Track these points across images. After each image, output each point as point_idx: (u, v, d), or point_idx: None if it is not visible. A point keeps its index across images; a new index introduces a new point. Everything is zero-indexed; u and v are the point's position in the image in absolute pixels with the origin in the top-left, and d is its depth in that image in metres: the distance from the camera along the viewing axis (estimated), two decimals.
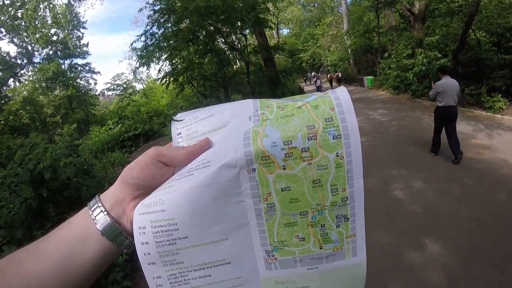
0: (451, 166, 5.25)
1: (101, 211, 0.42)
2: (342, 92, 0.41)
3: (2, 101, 18.98)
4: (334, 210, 0.41)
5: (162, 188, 0.41)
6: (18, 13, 19.19)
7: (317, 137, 0.38)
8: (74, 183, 3.27)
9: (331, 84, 25.13)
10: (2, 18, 18.63)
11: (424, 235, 3.48)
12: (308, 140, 0.38)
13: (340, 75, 26.14)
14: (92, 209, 0.42)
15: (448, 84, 5.27)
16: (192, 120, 0.49)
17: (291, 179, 0.39)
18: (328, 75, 27.48)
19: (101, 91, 28.12)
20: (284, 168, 0.38)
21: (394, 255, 3.22)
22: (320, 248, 0.42)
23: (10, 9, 18.50)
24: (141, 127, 14.56)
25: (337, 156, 0.39)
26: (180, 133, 0.48)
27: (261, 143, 0.38)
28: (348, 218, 0.42)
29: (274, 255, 0.42)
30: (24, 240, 2.56)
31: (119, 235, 0.42)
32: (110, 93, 27.98)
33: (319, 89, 18.43)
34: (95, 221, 0.41)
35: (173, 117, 0.50)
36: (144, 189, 0.43)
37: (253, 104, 0.46)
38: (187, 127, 0.48)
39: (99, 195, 0.44)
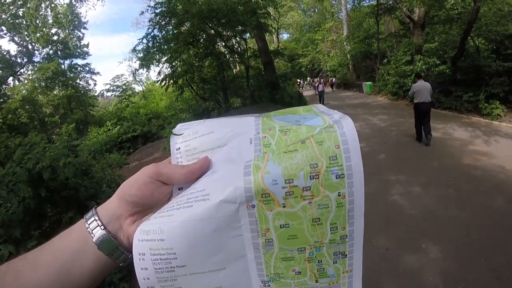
0: (449, 172, 5.27)
1: (98, 225, 0.42)
2: (348, 128, 0.40)
3: (1, 100, 18.89)
4: (332, 247, 0.41)
5: (161, 215, 0.41)
6: (19, 12, 19.20)
7: (319, 176, 0.38)
8: (72, 183, 3.25)
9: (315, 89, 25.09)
10: (4, 16, 18.61)
11: (422, 240, 3.48)
12: (310, 179, 0.38)
13: (334, 80, 26.00)
14: (89, 222, 0.43)
15: (421, 85, 6.88)
16: (192, 135, 0.48)
17: (291, 217, 0.39)
18: (322, 80, 27.58)
19: (100, 92, 28.19)
20: (284, 206, 0.38)
21: (392, 260, 3.23)
22: (316, 282, 0.42)
23: (11, 7, 18.51)
24: (140, 129, 14.56)
25: (339, 195, 0.38)
26: (179, 148, 0.48)
27: (262, 181, 0.38)
28: (346, 255, 0.42)
29: (270, 285, 0.43)
30: (21, 240, 2.56)
31: (115, 249, 0.42)
32: (109, 94, 28.07)
33: (321, 94, 17.62)
34: (92, 234, 0.41)
35: (172, 130, 0.50)
36: (142, 207, 0.43)
37: (255, 124, 0.46)
38: (187, 142, 0.48)
39: (95, 208, 0.44)
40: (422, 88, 6.81)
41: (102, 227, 0.42)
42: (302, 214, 0.39)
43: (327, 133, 0.40)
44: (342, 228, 0.40)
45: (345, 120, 0.41)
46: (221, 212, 0.38)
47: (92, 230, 0.42)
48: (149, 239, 0.39)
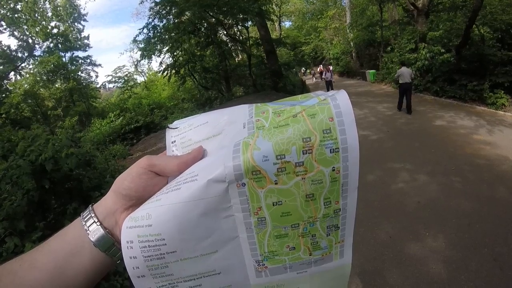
0: (453, 161, 5.26)
1: (94, 221, 0.41)
2: (342, 99, 0.38)
3: (3, 95, 18.91)
4: (325, 221, 0.40)
5: (150, 201, 0.40)
6: (17, 6, 19.06)
7: (313, 150, 0.36)
8: (76, 174, 3.27)
9: (321, 77, 24.84)
10: (2, 11, 18.50)
11: (424, 228, 3.49)
12: (303, 154, 0.36)
13: (331, 68, 25.73)
14: (85, 219, 0.42)
15: (404, 70, 9.18)
16: (187, 128, 0.47)
17: (283, 194, 0.37)
18: (319, 68, 27.31)
19: (102, 84, 28.03)
20: (276, 183, 0.37)
21: (395, 248, 3.24)
22: (310, 255, 0.42)
23: (9, 1, 18.37)
24: (143, 120, 14.50)
25: (333, 170, 0.37)
26: (175, 141, 0.47)
27: (252, 157, 0.36)
28: (339, 227, 0.42)
29: (264, 264, 0.42)
30: (26, 232, 2.58)
31: (111, 246, 0.41)
32: (111, 85, 27.91)
33: (329, 84, 15.79)
34: (88, 231, 0.41)
35: (169, 125, 0.49)
36: (136, 200, 0.42)
37: (249, 110, 0.44)
38: (182, 135, 0.47)
39: (92, 205, 0.44)
40: (404, 72, 9.09)
41: (98, 223, 0.41)
42: (295, 191, 0.37)
43: (320, 105, 0.38)
44: (336, 202, 0.39)
45: (339, 93, 0.39)
46: (210, 192, 0.37)
47: (88, 227, 0.41)
48: (137, 225, 0.38)
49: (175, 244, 0.38)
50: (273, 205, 0.38)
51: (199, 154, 0.43)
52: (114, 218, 0.42)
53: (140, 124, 14.22)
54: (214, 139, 0.44)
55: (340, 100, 0.38)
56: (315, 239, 0.41)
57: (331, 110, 0.37)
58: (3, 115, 16.76)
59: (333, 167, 0.37)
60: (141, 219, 0.38)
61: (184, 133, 0.47)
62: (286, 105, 0.42)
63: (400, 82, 9.34)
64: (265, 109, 0.42)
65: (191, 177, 0.39)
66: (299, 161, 0.36)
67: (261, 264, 0.42)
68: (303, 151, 0.36)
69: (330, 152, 0.36)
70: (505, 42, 9.83)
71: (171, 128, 0.49)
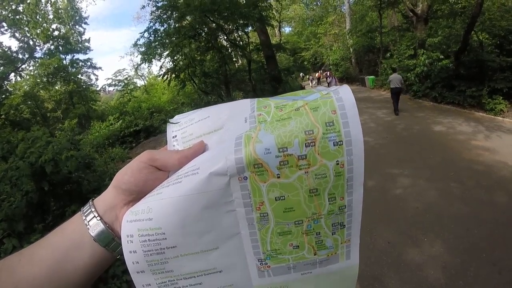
0: (452, 166, 5.27)
1: (94, 216, 0.41)
2: (345, 93, 0.37)
3: (3, 96, 18.89)
4: (330, 218, 0.39)
5: (151, 195, 0.40)
6: (19, 8, 19.12)
7: (315, 143, 0.35)
8: (75, 177, 3.26)
9: (318, 83, 24.91)
10: (4, 12, 18.55)
11: (423, 233, 3.49)
12: (306, 146, 0.35)
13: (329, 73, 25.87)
14: (85, 214, 0.42)
15: (395, 76, 10.23)
16: (188, 122, 0.47)
17: (286, 188, 0.36)
18: (317, 74, 27.41)
19: (102, 87, 28.08)
20: (279, 177, 0.36)
21: (393, 253, 3.23)
22: (315, 255, 0.41)
23: (11, 3, 18.43)
24: (142, 123, 14.47)
25: (337, 164, 0.36)
26: (176, 136, 0.47)
27: (254, 150, 0.35)
28: (344, 225, 0.41)
29: (267, 263, 0.41)
30: (25, 233, 2.57)
31: (112, 241, 0.41)
32: (111, 88, 27.97)
33: None
34: (88, 226, 0.41)
35: (169, 119, 0.49)
36: (137, 194, 0.42)
37: (250, 104, 0.44)
38: (183, 129, 0.47)
39: (92, 200, 0.44)
40: (395, 78, 10.10)
41: (98, 217, 0.41)
42: (298, 185, 0.36)
43: (323, 99, 0.38)
44: (341, 198, 0.38)
45: (342, 87, 0.39)
46: (211, 186, 0.36)
47: (88, 222, 0.41)
48: (137, 219, 0.38)
49: (175, 239, 0.37)
50: (276, 199, 0.37)
51: (200, 149, 0.43)
52: (114, 213, 0.42)
53: (140, 127, 14.19)
54: (215, 134, 0.44)
55: (342, 94, 0.38)
56: (319, 237, 0.40)
57: (334, 103, 0.37)
58: (3, 116, 16.73)
59: (337, 160, 0.36)
60: (141, 212, 0.38)
61: (185, 128, 0.47)
62: (288, 100, 0.41)
63: (391, 86, 10.34)
64: (267, 104, 0.42)
65: (192, 170, 0.38)
66: (301, 154, 0.35)
67: (263, 263, 0.41)
68: (305, 143, 0.35)
69: (334, 145, 0.36)
70: (504, 48, 9.88)
71: (172, 122, 0.49)
